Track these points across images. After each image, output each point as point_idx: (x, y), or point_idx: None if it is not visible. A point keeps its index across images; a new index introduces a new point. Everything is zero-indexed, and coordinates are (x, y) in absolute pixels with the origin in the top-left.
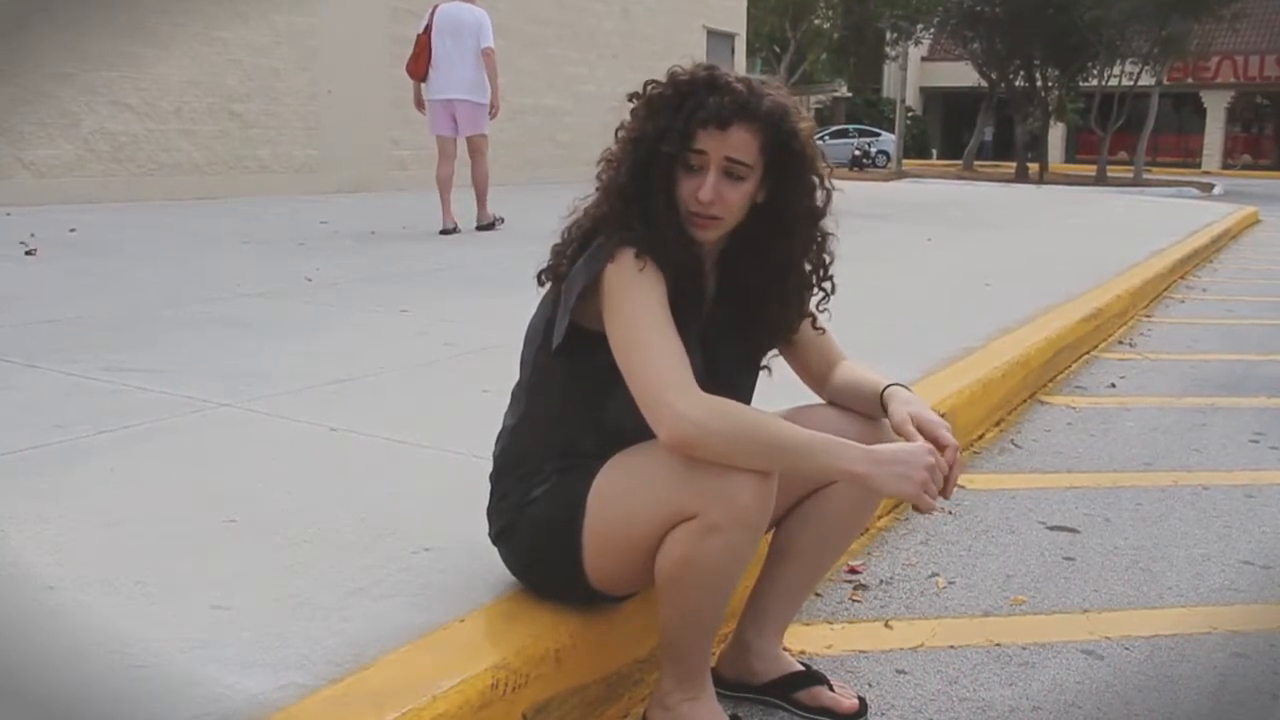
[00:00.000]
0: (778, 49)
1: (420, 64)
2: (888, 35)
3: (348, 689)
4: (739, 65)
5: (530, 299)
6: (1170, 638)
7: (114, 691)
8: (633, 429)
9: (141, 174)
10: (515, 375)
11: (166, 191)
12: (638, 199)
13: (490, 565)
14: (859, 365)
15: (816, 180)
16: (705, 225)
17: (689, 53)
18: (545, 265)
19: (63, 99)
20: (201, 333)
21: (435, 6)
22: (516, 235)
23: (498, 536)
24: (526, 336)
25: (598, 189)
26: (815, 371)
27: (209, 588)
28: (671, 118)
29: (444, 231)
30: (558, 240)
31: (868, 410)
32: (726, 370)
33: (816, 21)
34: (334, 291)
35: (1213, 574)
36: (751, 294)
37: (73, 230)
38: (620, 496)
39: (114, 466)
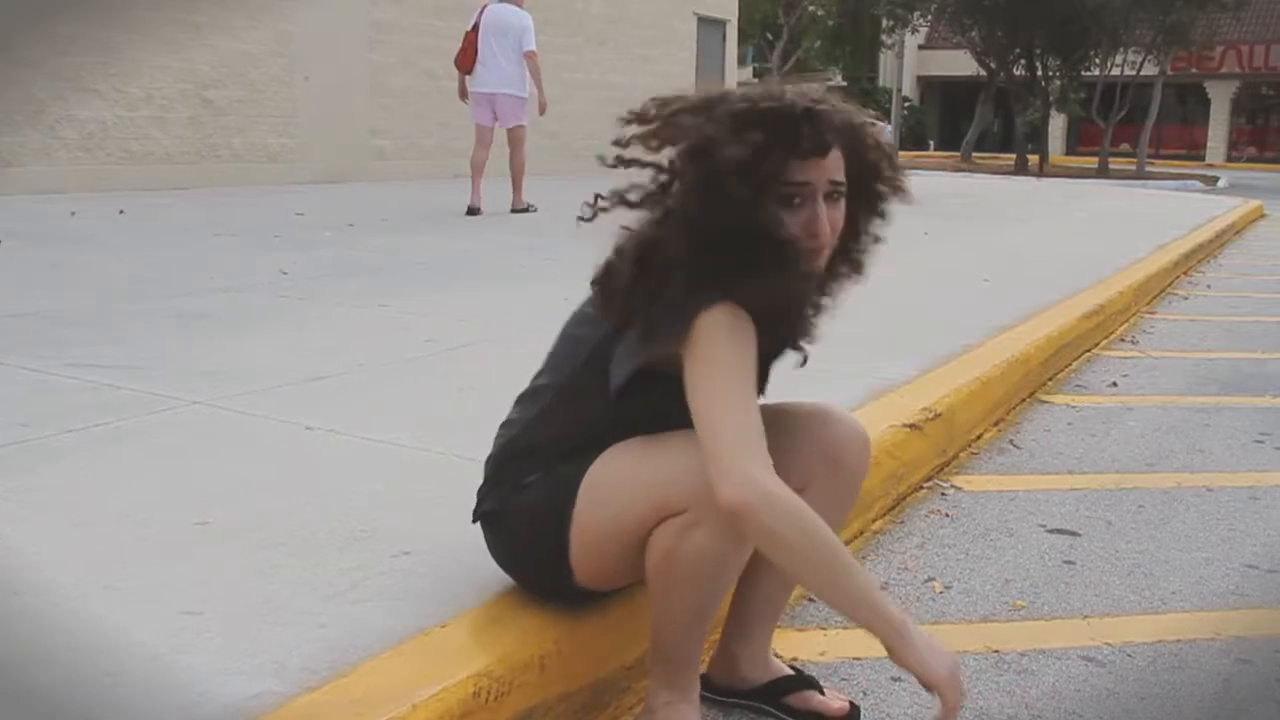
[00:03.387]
0: (770, 36)
1: (468, 59)
2: (884, 22)
3: (325, 697)
4: (730, 53)
5: (512, 295)
6: (1173, 644)
7: (81, 700)
8: None
9: (110, 163)
10: (496, 373)
11: (136, 181)
12: (732, 249)
13: (472, 568)
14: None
15: (886, 185)
16: (818, 255)
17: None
18: (601, 283)
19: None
20: (173, 328)
21: (484, 6)
22: (498, 228)
23: (483, 518)
24: (564, 337)
25: (660, 221)
26: None
27: (180, 592)
28: (763, 158)
29: (470, 211)
30: (613, 258)
31: None
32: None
33: (811, 8)
34: (310, 285)
35: (1217, 578)
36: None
37: (67, 218)
38: (611, 488)
39: (82, 466)
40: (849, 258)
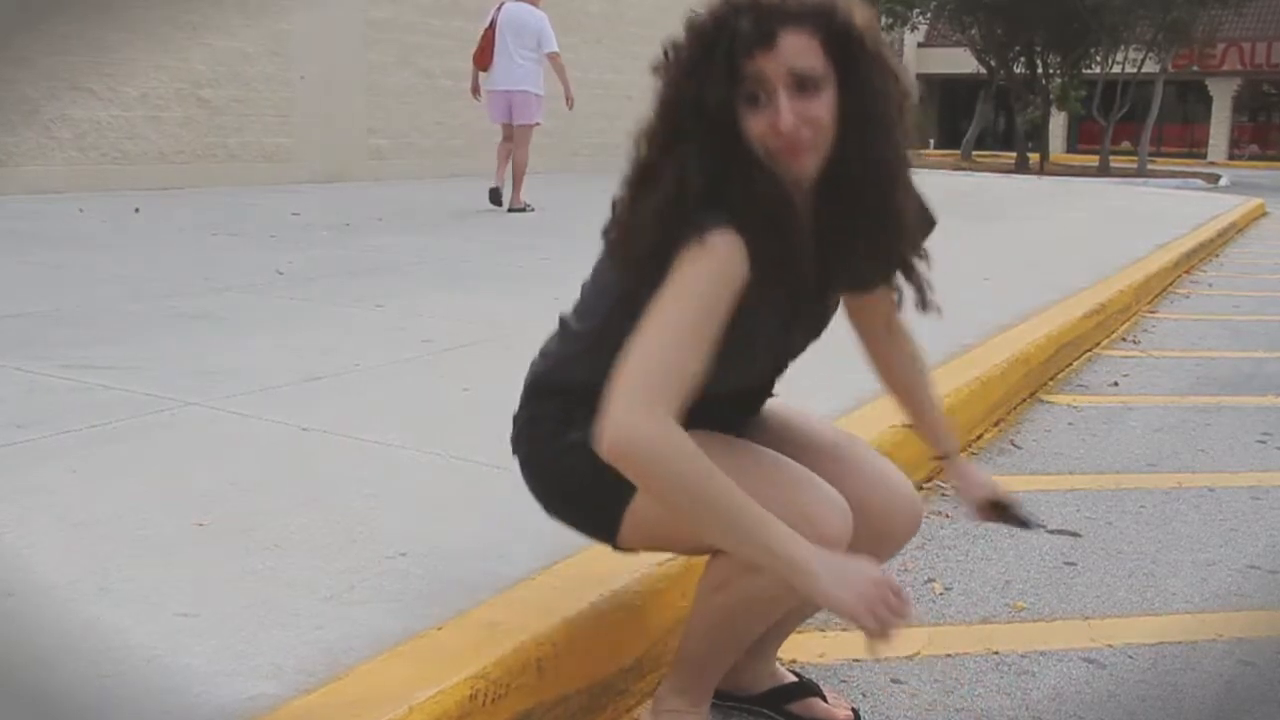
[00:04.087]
0: None
1: (485, 56)
2: (883, 20)
3: (321, 699)
4: None
5: (509, 295)
6: (1175, 645)
7: (77, 702)
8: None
9: (105, 162)
10: (494, 373)
11: (131, 181)
12: (703, 168)
13: (469, 570)
14: (918, 359)
15: (893, 81)
16: (796, 153)
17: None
18: (607, 233)
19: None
20: (168, 328)
21: (500, 4)
22: (495, 227)
23: (523, 464)
24: (596, 275)
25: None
26: (869, 327)
27: (176, 594)
28: (711, 60)
29: (492, 193)
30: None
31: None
32: (825, 319)
33: None
34: (307, 285)
35: (1219, 579)
36: (840, 240)
37: (63, 219)
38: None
39: (77, 468)
40: (862, 157)
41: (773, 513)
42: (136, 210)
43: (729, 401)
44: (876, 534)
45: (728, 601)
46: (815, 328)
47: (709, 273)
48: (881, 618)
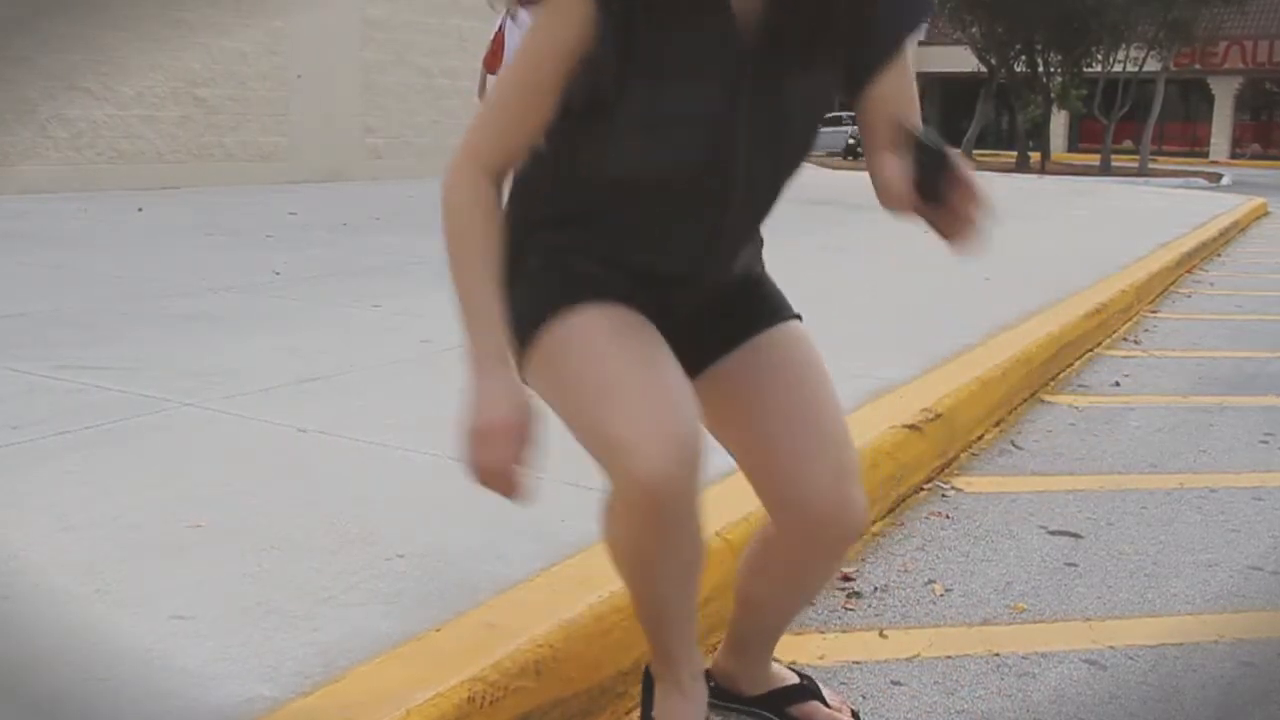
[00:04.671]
0: None
1: (496, 60)
2: None
3: (317, 702)
4: None
5: None
6: (1176, 646)
7: (72, 705)
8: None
9: (101, 162)
10: None
11: (127, 180)
12: None
13: (467, 571)
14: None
15: None
16: None
17: None
18: None
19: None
20: (164, 329)
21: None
22: None
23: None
24: None
25: None
26: (877, 142)
27: (172, 596)
28: None
29: None
30: None
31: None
32: (791, 119)
33: None
34: (303, 286)
35: (1220, 580)
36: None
37: (57, 218)
38: (560, 385)
39: (73, 469)
40: None
41: (584, 424)
42: (140, 210)
43: (685, 240)
44: (809, 535)
45: (610, 553)
46: (781, 115)
47: (542, 22)
48: (483, 470)
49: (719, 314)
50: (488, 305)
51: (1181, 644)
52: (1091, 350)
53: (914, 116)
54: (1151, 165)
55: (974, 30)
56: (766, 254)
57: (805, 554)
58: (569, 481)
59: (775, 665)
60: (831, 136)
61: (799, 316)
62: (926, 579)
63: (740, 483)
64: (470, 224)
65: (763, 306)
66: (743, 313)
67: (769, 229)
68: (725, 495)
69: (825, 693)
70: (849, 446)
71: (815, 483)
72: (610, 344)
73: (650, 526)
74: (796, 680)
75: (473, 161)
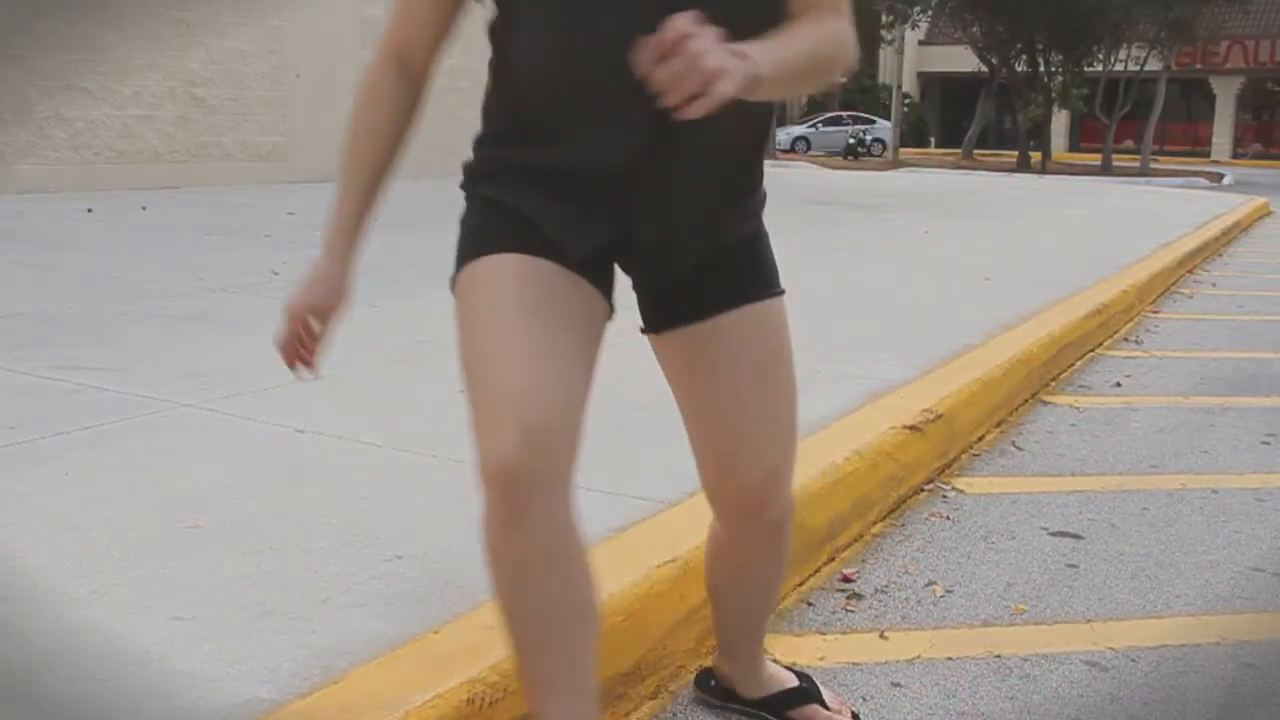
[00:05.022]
0: None
1: None
2: (883, 18)
3: (316, 703)
4: None
5: None
6: (1177, 648)
7: (70, 707)
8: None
9: (98, 162)
10: None
11: (125, 180)
12: None
13: (465, 573)
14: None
15: None
16: None
17: None
18: None
19: (16, 83)
20: (162, 329)
21: None
22: None
23: None
24: None
25: None
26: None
27: (170, 597)
28: None
29: None
30: None
31: None
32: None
33: None
34: None
35: (1222, 581)
36: None
37: (55, 218)
38: (463, 344)
39: (70, 470)
40: None
41: (467, 391)
42: (143, 208)
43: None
44: (733, 524)
45: None
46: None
47: None
48: (275, 341)
49: (706, 273)
50: (339, 197)
51: (1183, 645)
52: (1093, 351)
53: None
54: (1153, 165)
55: (975, 29)
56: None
57: (737, 544)
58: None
59: (774, 667)
60: (832, 136)
61: (783, 291)
62: (927, 580)
63: None
64: (358, 117)
65: (749, 277)
66: (729, 278)
67: (768, 227)
68: None
69: (825, 694)
70: (789, 447)
71: (747, 477)
72: (495, 312)
73: (499, 522)
74: (796, 683)
75: (384, 46)
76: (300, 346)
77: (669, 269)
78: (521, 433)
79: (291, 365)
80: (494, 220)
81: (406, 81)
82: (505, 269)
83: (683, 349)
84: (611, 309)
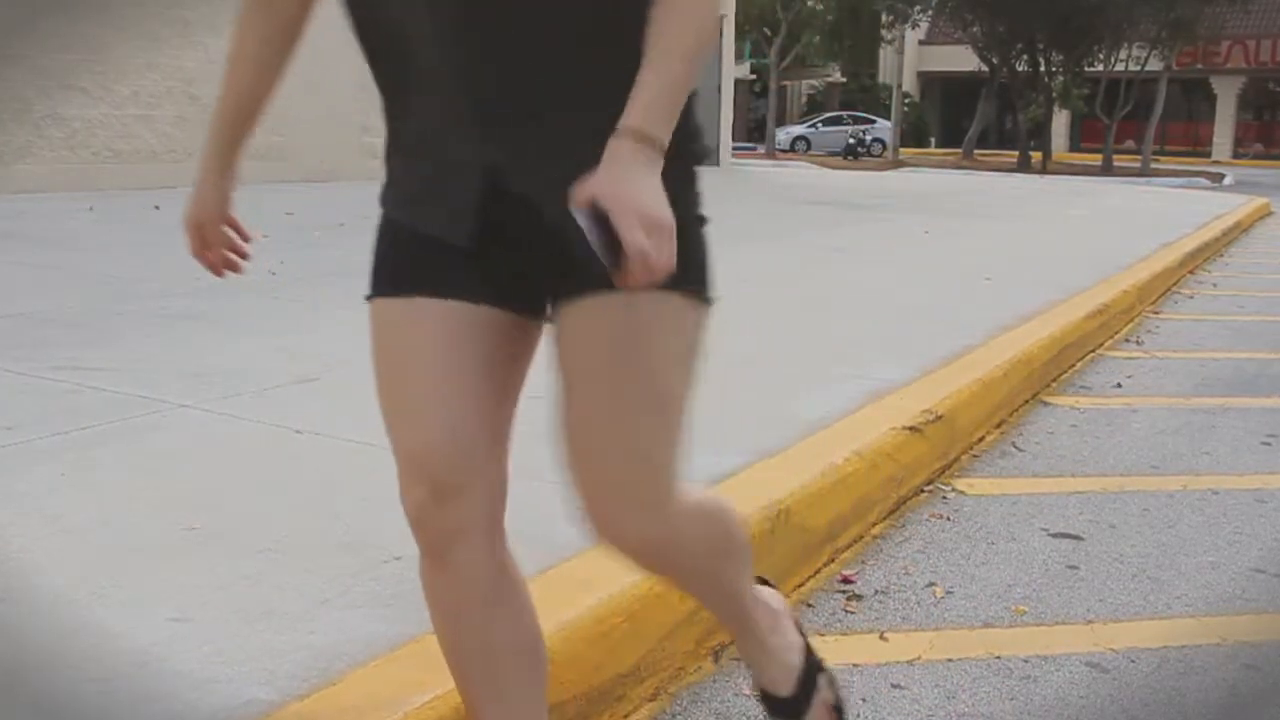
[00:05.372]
0: (768, 31)
1: None
2: (884, 17)
3: (314, 705)
4: (727, 48)
5: None
6: (1178, 649)
7: (67, 709)
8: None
9: (96, 161)
10: None
11: (122, 180)
12: None
13: None
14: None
15: None
16: None
17: None
18: None
19: (14, 82)
20: (160, 329)
21: None
22: None
23: None
24: None
25: None
26: None
27: (168, 598)
28: None
29: None
30: None
31: None
32: None
33: (809, 3)
34: (300, 286)
35: (1222, 582)
36: None
37: (52, 218)
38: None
39: (68, 471)
40: None
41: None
42: (156, 207)
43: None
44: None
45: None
46: None
47: None
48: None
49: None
50: (210, 123)
51: (1183, 647)
52: (1093, 351)
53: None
54: (1153, 165)
55: (975, 29)
56: (765, 251)
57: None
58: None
59: (778, 672)
60: (831, 136)
61: (696, 289)
62: (927, 581)
63: (739, 483)
64: (228, 49)
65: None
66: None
67: (768, 227)
68: (724, 496)
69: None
70: (645, 470)
71: (585, 491)
72: (395, 366)
73: (424, 570)
74: (786, 694)
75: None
76: (208, 251)
77: (548, 217)
78: (430, 489)
79: (216, 271)
80: (387, 252)
81: (267, 17)
82: (401, 318)
83: (558, 329)
84: (532, 313)
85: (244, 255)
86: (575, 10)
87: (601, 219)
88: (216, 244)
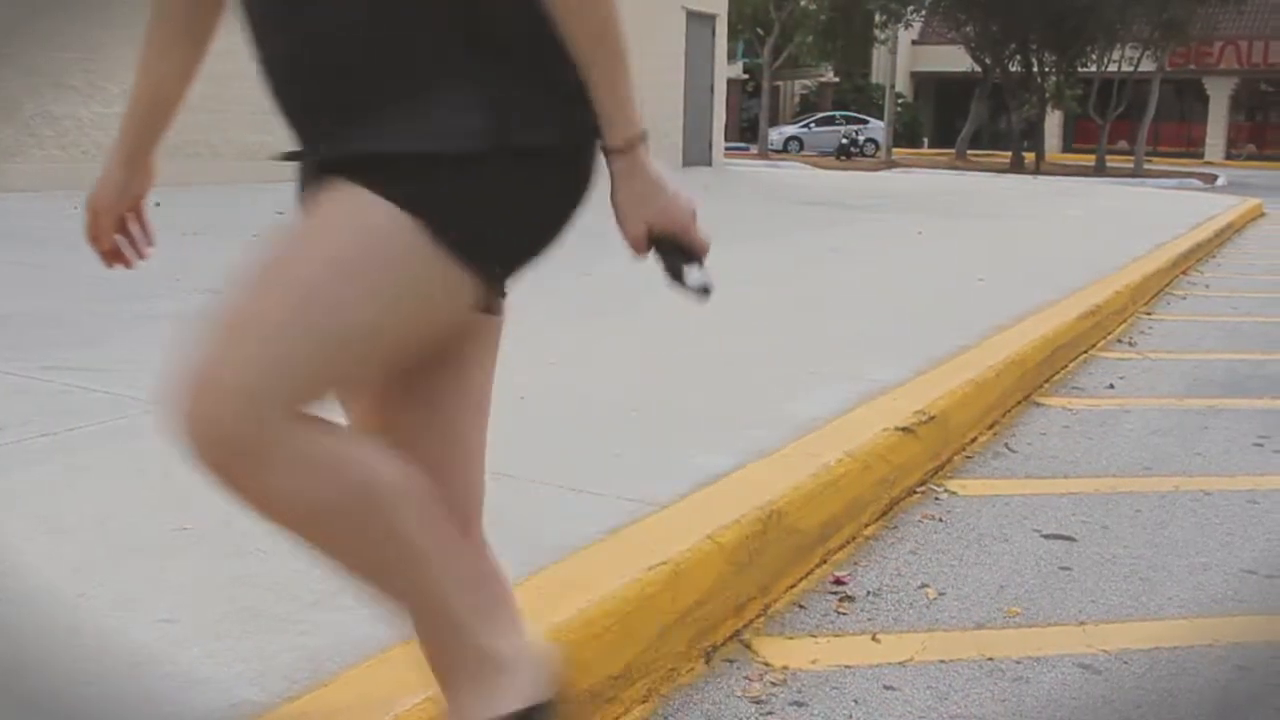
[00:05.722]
0: (761, 31)
1: None
2: (876, 17)
3: (306, 706)
4: (719, 49)
5: None
6: (1170, 650)
7: (57, 710)
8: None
9: (85, 160)
10: None
11: None
12: None
13: None
14: None
15: None
16: None
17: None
18: None
19: (3, 81)
20: (149, 330)
21: None
22: None
23: None
24: None
25: None
26: None
27: (158, 599)
28: None
29: None
30: None
31: None
32: None
33: (802, 3)
34: None
35: (1214, 583)
36: None
37: (42, 217)
38: None
39: (59, 471)
40: None
41: None
42: (157, 204)
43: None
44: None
45: None
46: None
47: None
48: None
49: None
50: (126, 109)
51: (1176, 648)
52: (1086, 352)
53: None
54: (1146, 166)
55: (968, 29)
56: (758, 251)
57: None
58: (558, 485)
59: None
60: (824, 136)
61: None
62: (920, 583)
63: (731, 484)
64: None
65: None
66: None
67: (761, 227)
68: (716, 497)
69: None
70: (226, 332)
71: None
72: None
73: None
74: None
75: None
76: (100, 239)
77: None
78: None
79: (105, 261)
80: None
81: (164, 30)
82: None
83: None
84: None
85: (141, 254)
86: None
87: (662, 240)
88: (108, 234)
